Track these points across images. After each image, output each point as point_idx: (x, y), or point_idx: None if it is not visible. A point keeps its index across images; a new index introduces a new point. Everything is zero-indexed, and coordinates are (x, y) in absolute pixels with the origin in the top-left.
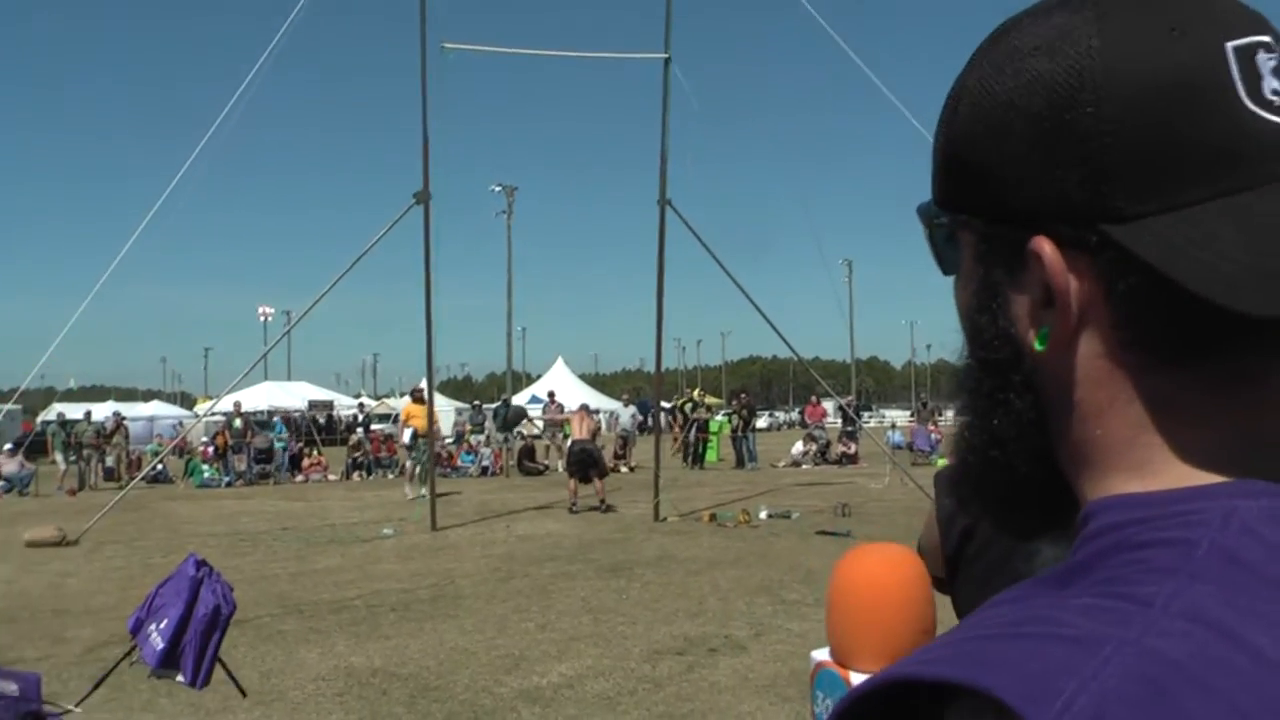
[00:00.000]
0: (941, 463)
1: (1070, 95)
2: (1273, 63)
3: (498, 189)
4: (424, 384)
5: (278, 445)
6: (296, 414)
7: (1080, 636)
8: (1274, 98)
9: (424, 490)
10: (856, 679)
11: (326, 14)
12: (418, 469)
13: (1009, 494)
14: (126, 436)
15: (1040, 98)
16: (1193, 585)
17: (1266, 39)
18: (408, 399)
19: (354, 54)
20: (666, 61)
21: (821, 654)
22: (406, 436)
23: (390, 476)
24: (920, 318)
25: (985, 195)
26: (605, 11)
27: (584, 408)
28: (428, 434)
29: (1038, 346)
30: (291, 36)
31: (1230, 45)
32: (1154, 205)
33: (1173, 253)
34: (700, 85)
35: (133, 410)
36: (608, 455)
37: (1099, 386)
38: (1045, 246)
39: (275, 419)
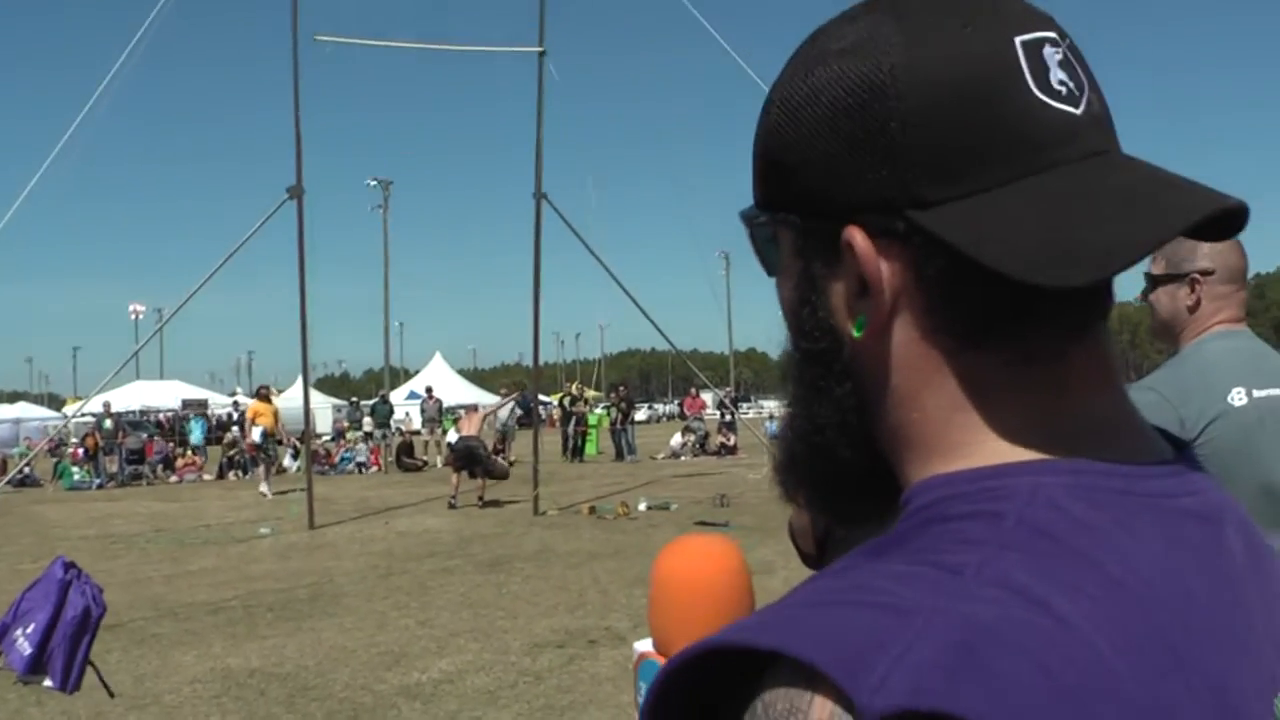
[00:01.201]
0: None
1: (874, 91)
2: (1058, 55)
3: (373, 183)
4: (269, 384)
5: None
6: (169, 413)
7: (895, 604)
8: (1060, 87)
9: (265, 488)
10: None
11: (197, 3)
12: (271, 468)
13: (834, 480)
14: None
15: (847, 95)
16: (1001, 554)
17: (1052, 34)
18: (253, 400)
19: (225, 44)
20: (541, 54)
21: (644, 645)
22: (256, 435)
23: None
24: None
25: (801, 192)
26: (481, 4)
27: (473, 407)
28: (276, 432)
29: (855, 333)
30: (161, 25)
31: (1019, 39)
32: (955, 191)
33: (973, 234)
34: (576, 78)
35: None
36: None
37: (914, 370)
38: (857, 236)
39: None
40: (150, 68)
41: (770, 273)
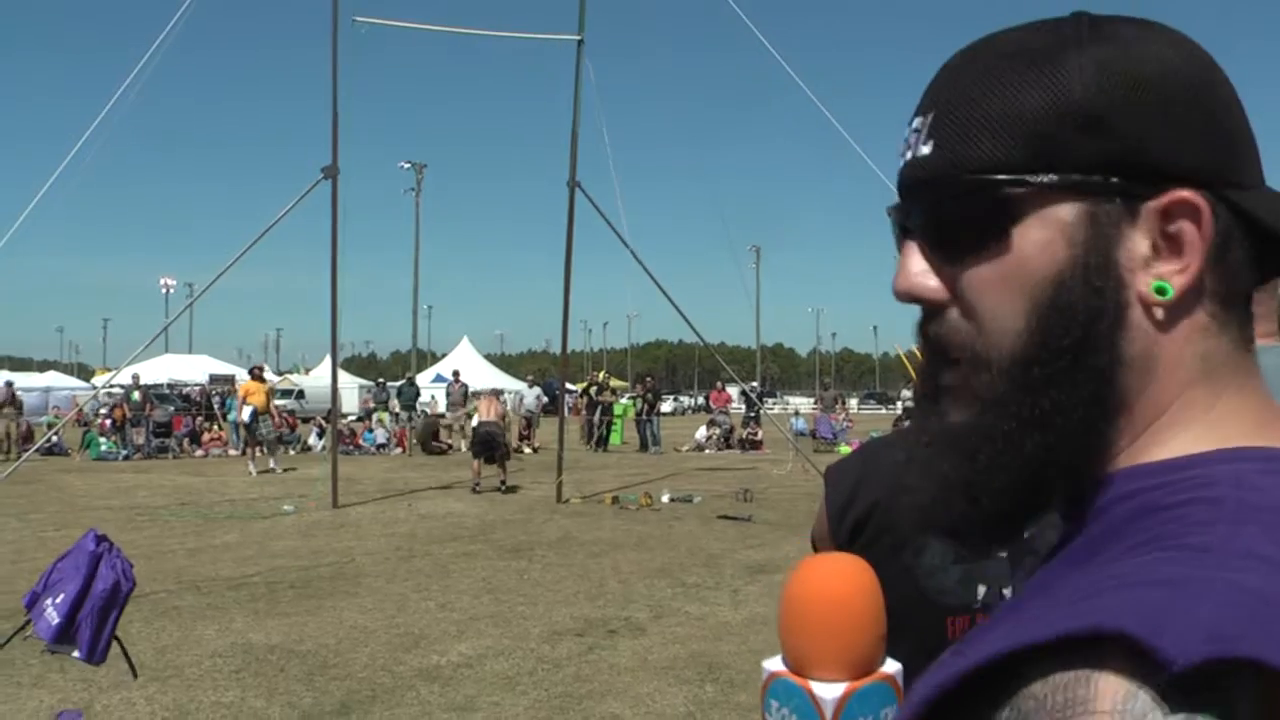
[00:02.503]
0: (844, 451)
1: (1206, 81)
2: None
3: (407, 166)
4: (264, 363)
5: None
6: (197, 387)
7: (1165, 580)
8: None
9: (274, 464)
10: (820, 690)
11: None
12: (257, 448)
13: (1017, 497)
14: (19, 407)
15: (1180, 81)
16: (1238, 531)
17: None
18: (246, 377)
19: (264, 24)
20: (579, 43)
21: (774, 664)
22: (246, 415)
23: (292, 452)
24: (826, 306)
25: (1121, 155)
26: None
27: (493, 392)
28: (268, 411)
29: (1159, 294)
30: (200, 4)
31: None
32: (1252, 179)
33: (1275, 215)
34: (615, 68)
35: (27, 381)
36: (513, 436)
37: (1178, 342)
38: (1199, 200)
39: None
40: (189, 46)
41: (976, 246)
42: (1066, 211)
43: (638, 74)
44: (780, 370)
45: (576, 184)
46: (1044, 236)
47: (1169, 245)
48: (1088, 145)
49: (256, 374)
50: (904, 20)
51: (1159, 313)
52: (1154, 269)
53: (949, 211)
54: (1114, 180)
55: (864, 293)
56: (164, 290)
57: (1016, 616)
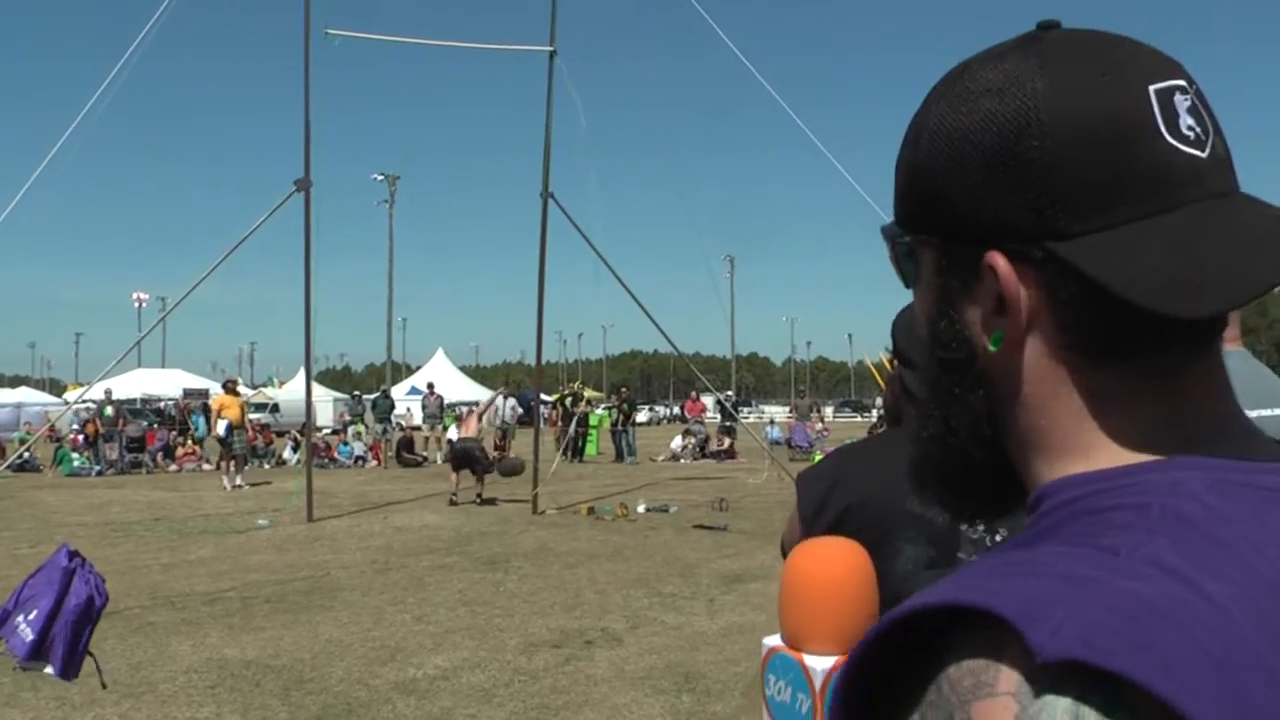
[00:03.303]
0: (818, 459)
1: (1018, 131)
2: (1187, 102)
3: (380, 178)
4: (238, 376)
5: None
6: (170, 402)
7: (1064, 574)
8: (1189, 132)
9: (240, 480)
10: (811, 661)
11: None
12: (232, 462)
13: (964, 479)
14: None
15: (992, 134)
16: (1151, 538)
17: (1182, 82)
18: (220, 391)
19: (235, 36)
20: (551, 54)
21: (773, 640)
22: (221, 429)
23: (267, 466)
24: (800, 315)
25: (944, 217)
26: (493, 3)
27: (474, 408)
28: (242, 425)
29: (991, 348)
30: (171, 16)
31: (1152, 87)
32: (1091, 224)
33: (1106, 265)
34: (588, 77)
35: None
36: (488, 447)
37: (1043, 383)
38: (999, 260)
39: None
40: (160, 58)
41: (907, 285)
42: (929, 265)
43: (610, 83)
44: (755, 379)
45: (550, 195)
46: (923, 284)
47: (1004, 299)
48: (920, 205)
49: (230, 387)
50: (881, 27)
51: (1012, 357)
52: (995, 321)
53: (894, 254)
54: (939, 240)
55: (838, 301)
56: (136, 304)
57: (935, 585)
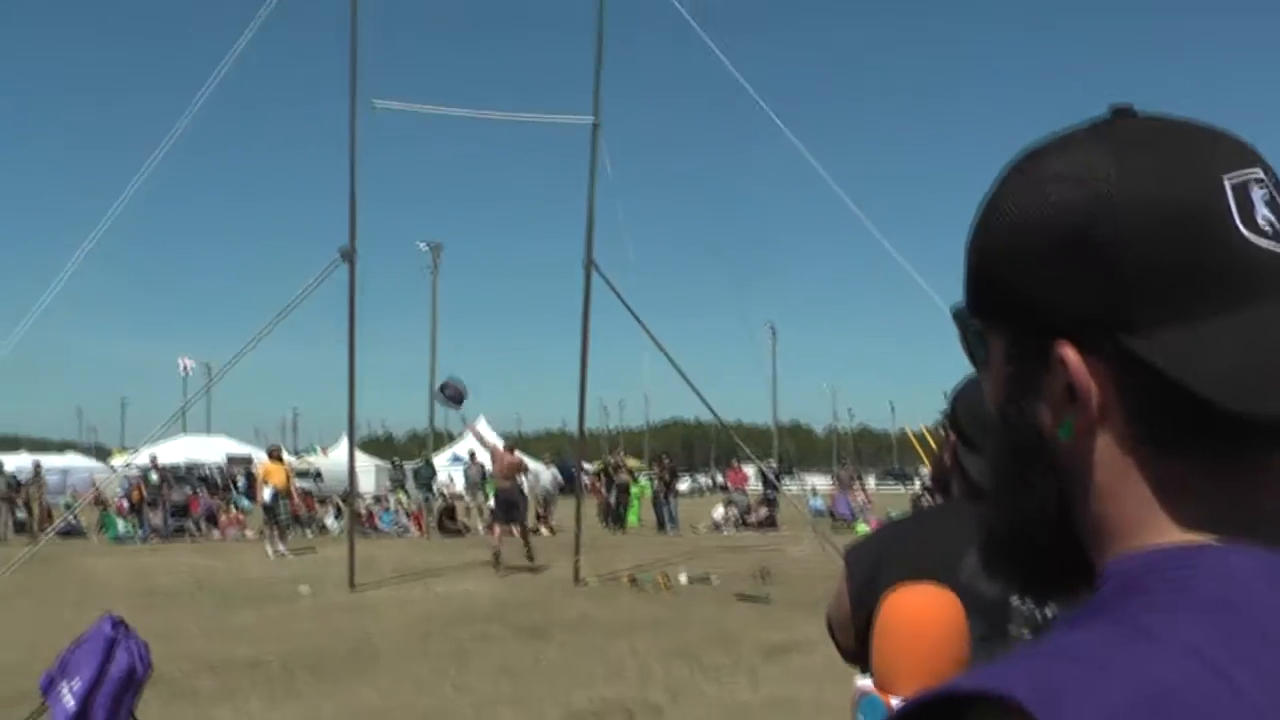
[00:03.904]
0: (861, 530)
1: (1089, 220)
2: (1264, 194)
3: (425, 247)
4: (280, 443)
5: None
6: (215, 468)
7: (1090, 658)
8: (1266, 225)
9: (284, 548)
10: (898, 704)
11: (254, 68)
12: (276, 529)
13: (1032, 561)
14: (42, 488)
15: (1063, 221)
16: (1190, 623)
17: (1258, 173)
18: (265, 458)
19: (281, 107)
20: (594, 126)
21: (865, 682)
22: (266, 496)
23: (309, 535)
24: (843, 383)
25: (1014, 305)
26: (536, 73)
27: (509, 447)
28: (288, 491)
29: (1062, 436)
30: (219, 88)
31: (1227, 178)
32: (1163, 317)
33: (1178, 360)
34: (628, 147)
35: (46, 462)
36: (529, 516)
37: (1114, 471)
38: (1069, 352)
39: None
40: (208, 128)
41: (976, 366)
42: (999, 350)
43: (654, 153)
44: (797, 448)
45: (593, 264)
46: (993, 368)
47: (1074, 390)
48: (989, 291)
49: (275, 454)
50: (923, 106)
51: (1082, 446)
52: (1066, 410)
53: (964, 337)
54: (1008, 327)
55: (881, 370)
56: (182, 371)
57: (977, 668)
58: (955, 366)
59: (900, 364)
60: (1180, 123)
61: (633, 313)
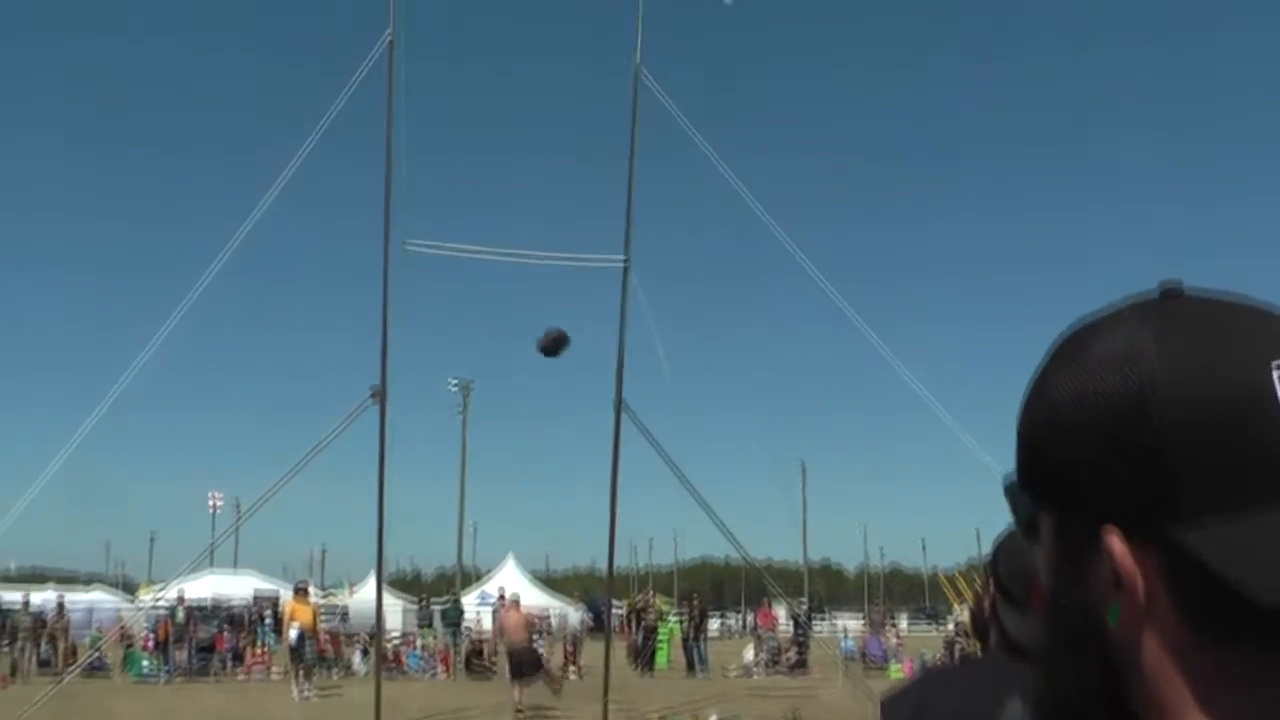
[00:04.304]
0: (895, 672)
1: (1134, 410)
2: None
3: (455, 386)
4: (308, 580)
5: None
6: (241, 605)
7: None
8: None
9: (309, 690)
10: None
11: (286, 209)
12: (302, 669)
13: None
14: (67, 626)
15: (1109, 411)
16: None
17: None
18: (290, 597)
19: (314, 246)
20: (625, 267)
21: None
22: (292, 635)
23: (336, 676)
24: (874, 523)
25: (1061, 490)
26: (569, 213)
27: (514, 601)
28: (314, 631)
29: (1110, 621)
30: (256, 226)
31: (1275, 365)
32: (1210, 508)
33: (1226, 554)
34: (659, 285)
35: (73, 597)
36: (556, 659)
37: (1161, 659)
38: (1115, 541)
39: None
40: (243, 267)
41: (1029, 540)
42: (1049, 530)
43: (681, 290)
44: (828, 588)
45: (623, 404)
46: (1044, 547)
47: (1120, 578)
48: (1038, 474)
49: (302, 592)
50: (950, 245)
51: (1130, 632)
52: (1113, 596)
53: (1015, 511)
54: (1056, 511)
55: (912, 508)
56: (211, 506)
57: None
58: (987, 505)
59: (932, 502)
60: (1229, 305)
61: (664, 455)
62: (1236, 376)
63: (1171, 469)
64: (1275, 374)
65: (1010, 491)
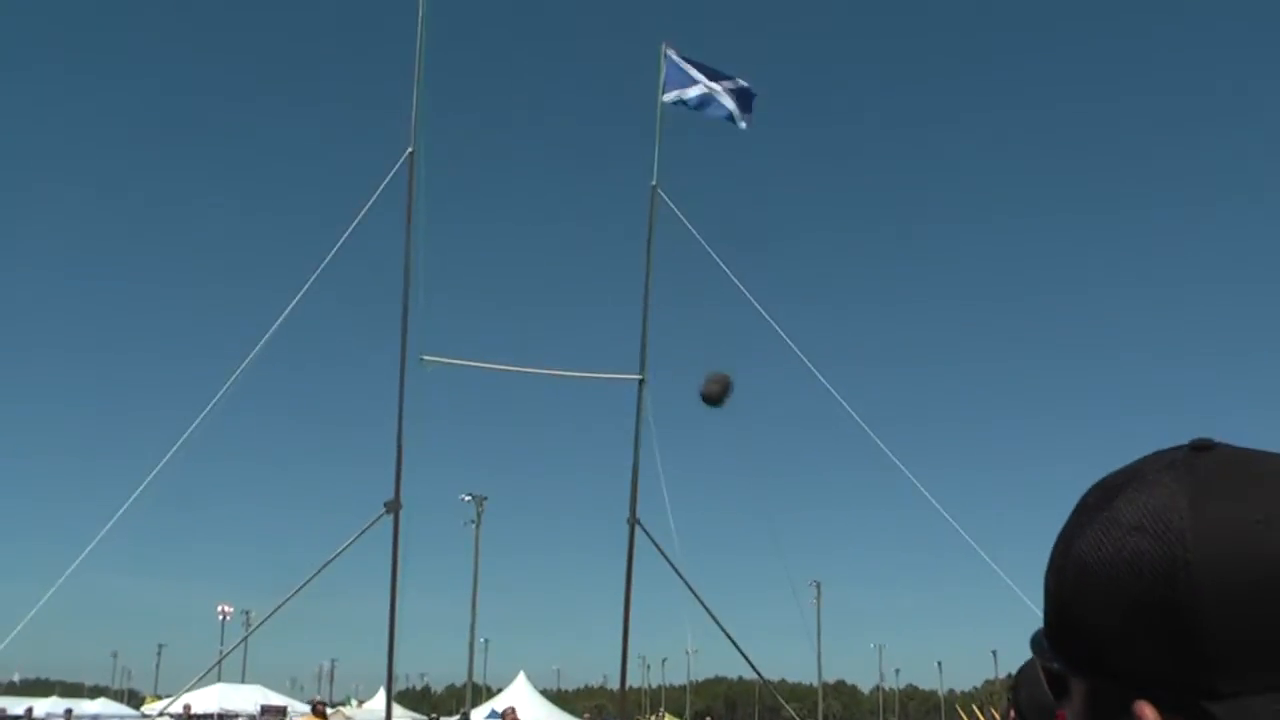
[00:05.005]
0: None
1: (1167, 579)
2: None
3: (468, 499)
4: (322, 695)
5: None
6: (248, 718)
7: None
8: None
9: None
10: None
11: (299, 325)
12: None
13: None
14: None
15: (1140, 578)
16: None
17: None
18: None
19: (328, 358)
20: (640, 383)
21: None
22: None
23: None
24: (889, 641)
25: (1092, 653)
26: (584, 331)
27: (509, 715)
28: None
29: None
30: (272, 341)
31: None
32: (1246, 685)
33: None
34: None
35: (78, 708)
36: None
37: None
38: (1148, 713)
39: None
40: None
41: (1058, 700)
42: (1079, 693)
43: (698, 407)
44: (843, 708)
45: (636, 521)
46: (1074, 709)
47: None
48: (1068, 637)
49: (319, 709)
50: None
51: None
52: None
53: (1046, 671)
54: (1090, 675)
55: (928, 628)
56: (220, 617)
57: None
58: (1003, 626)
59: (948, 621)
60: (1266, 464)
61: (678, 571)
62: (1273, 544)
63: (1206, 643)
64: None
65: (1040, 649)
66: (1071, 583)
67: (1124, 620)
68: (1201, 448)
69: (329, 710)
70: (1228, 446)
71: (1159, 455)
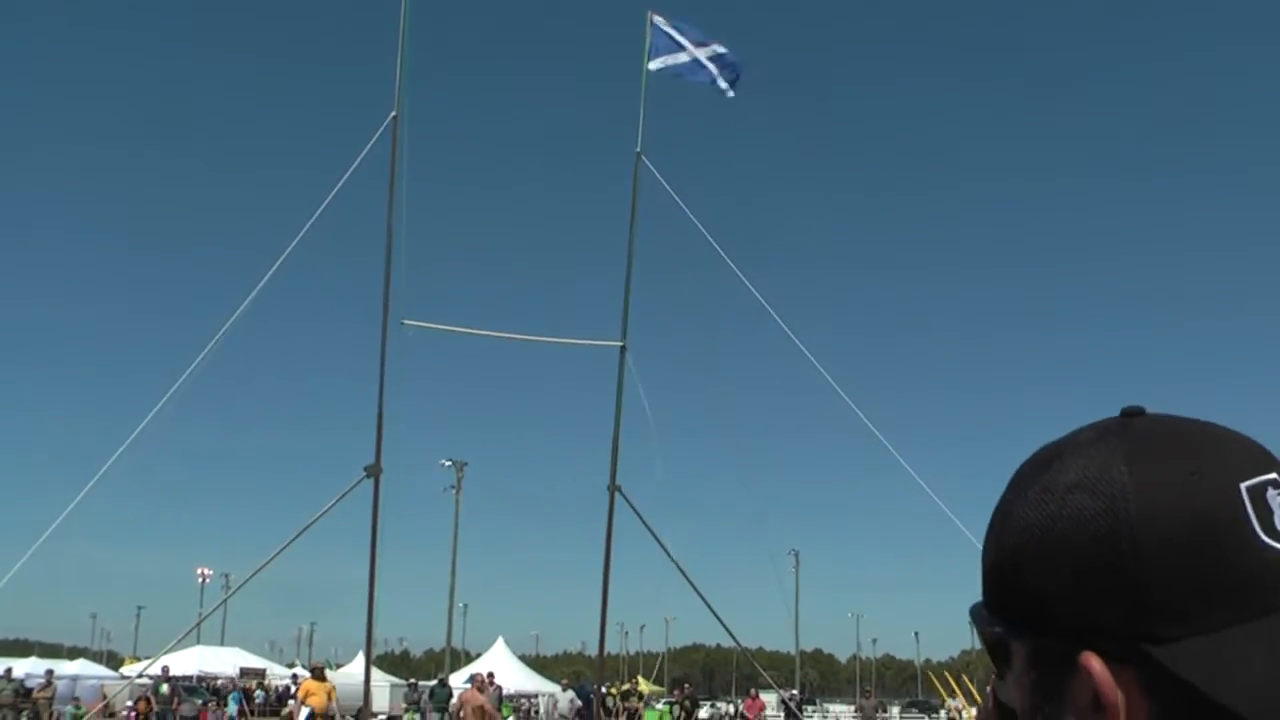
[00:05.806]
0: None
1: (1108, 532)
2: None
3: (448, 463)
4: (323, 660)
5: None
6: (226, 681)
7: None
8: None
9: None
10: None
11: (280, 289)
12: None
13: None
14: (52, 697)
15: (1082, 532)
16: None
17: (1274, 476)
18: (307, 675)
19: (309, 323)
20: (622, 349)
21: None
22: (303, 717)
23: None
24: (866, 611)
25: (1035, 612)
26: (566, 298)
27: (477, 681)
28: (326, 714)
29: None
30: (250, 307)
31: (1244, 485)
32: (1186, 629)
33: (1209, 673)
34: (654, 371)
35: (56, 668)
36: None
37: None
38: (1094, 662)
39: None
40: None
41: (999, 669)
42: (1021, 657)
43: (678, 373)
44: (820, 676)
45: (617, 488)
46: (1015, 675)
47: (1100, 699)
48: (1009, 599)
49: (318, 673)
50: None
51: None
52: (1093, 716)
53: (984, 639)
54: (1033, 635)
55: (905, 598)
56: (200, 580)
57: None
58: (980, 598)
59: (925, 592)
60: (1193, 426)
61: (657, 539)
62: (1209, 499)
63: (1147, 591)
64: (1245, 494)
65: (979, 618)
66: (1012, 546)
67: (1068, 576)
68: (1133, 414)
69: (303, 672)
70: (1158, 413)
71: (1091, 425)
